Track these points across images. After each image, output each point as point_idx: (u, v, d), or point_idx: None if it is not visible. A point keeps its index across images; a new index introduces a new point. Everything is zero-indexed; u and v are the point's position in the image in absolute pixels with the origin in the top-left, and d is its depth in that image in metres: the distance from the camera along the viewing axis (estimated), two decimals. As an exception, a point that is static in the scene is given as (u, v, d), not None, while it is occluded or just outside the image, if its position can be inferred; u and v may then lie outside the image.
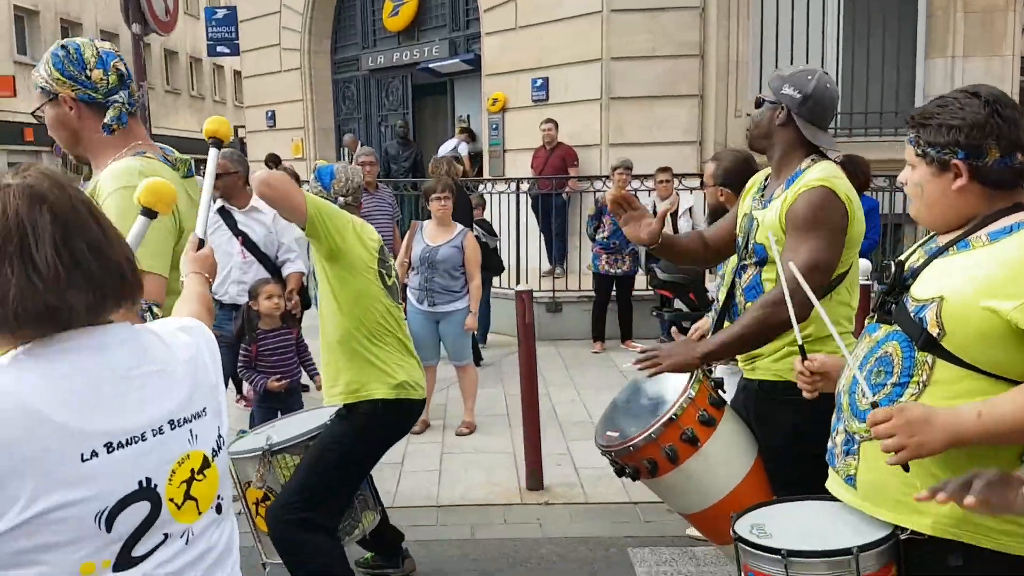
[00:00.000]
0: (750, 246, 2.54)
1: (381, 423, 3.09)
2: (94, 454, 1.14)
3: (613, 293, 7.76)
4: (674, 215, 7.61)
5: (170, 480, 1.23)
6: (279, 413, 4.17)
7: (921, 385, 1.68)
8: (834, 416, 1.90)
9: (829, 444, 1.91)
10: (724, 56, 8.60)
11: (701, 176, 6.88)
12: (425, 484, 4.69)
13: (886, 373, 1.74)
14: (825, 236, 2.33)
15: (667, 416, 2.45)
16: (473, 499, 4.49)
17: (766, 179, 2.64)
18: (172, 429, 1.24)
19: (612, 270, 7.62)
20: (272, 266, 5.01)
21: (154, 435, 1.21)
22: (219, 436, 1.34)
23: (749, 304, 2.53)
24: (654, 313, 7.10)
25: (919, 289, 1.72)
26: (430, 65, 11.51)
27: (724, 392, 2.65)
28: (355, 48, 12.93)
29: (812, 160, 2.47)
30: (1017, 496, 1.45)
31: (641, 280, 7.84)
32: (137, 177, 2.02)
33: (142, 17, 6.50)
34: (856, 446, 1.80)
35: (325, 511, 2.98)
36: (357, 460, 3.09)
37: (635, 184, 7.85)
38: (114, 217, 1.93)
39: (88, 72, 2.16)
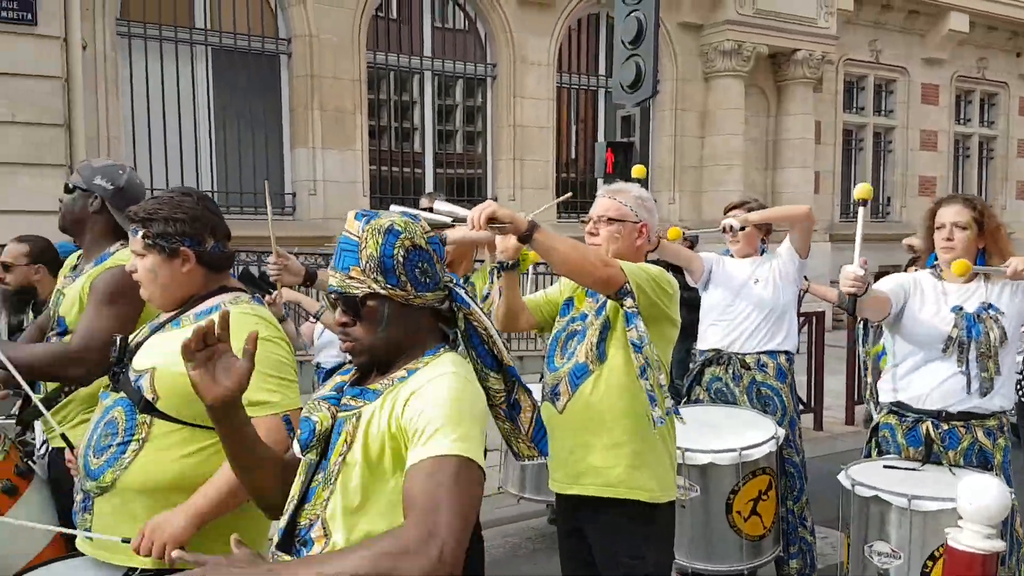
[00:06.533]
0: (55, 318, 2.67)
1: None
2: None
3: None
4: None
5: None
6: None
7: (142, 441, 1.93)
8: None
9: (75, 504, 2.05)
10: (94, 130, 8.45)
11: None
12: None
13: (112, 435, 1.95)
14: (118, 310, 2.52)
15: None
16: None
17: (78, 259, 2.81)
18: None
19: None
20: None
21: None
22: None
23: None
24: None
25: (139, 361, 1.98)
26: None
27: (35, 464, 2.68)
28: None
29: (122, 244, 2.66)
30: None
31: None
32: None
33: None
34: (91, 502, 1.98)
35: None
36: None
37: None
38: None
39: None
